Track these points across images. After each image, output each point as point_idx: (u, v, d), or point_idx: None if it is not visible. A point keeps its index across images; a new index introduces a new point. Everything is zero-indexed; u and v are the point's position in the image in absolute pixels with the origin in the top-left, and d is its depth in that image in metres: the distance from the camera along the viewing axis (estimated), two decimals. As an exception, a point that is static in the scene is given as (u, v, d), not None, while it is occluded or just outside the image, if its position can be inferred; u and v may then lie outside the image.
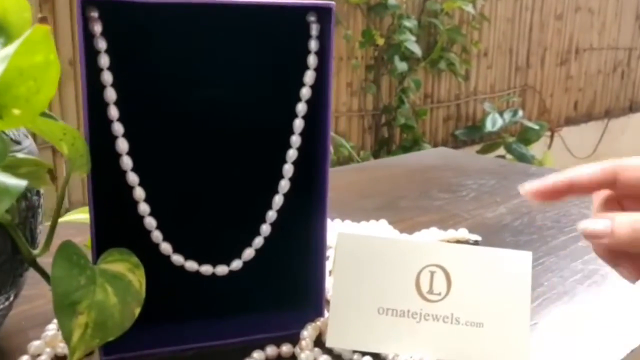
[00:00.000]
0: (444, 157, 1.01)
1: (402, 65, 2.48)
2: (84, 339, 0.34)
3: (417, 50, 2.45)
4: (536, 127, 2.96)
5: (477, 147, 2.95)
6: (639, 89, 4.64)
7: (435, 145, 3.01)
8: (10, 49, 0.23)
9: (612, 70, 4.33)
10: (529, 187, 0.38)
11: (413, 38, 2.45)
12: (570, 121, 4.04)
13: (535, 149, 2.78)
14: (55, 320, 0.43)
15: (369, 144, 2.70)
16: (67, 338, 0.33)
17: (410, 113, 2.66)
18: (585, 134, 4.02)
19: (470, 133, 3.05)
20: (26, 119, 0.27)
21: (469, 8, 2.71)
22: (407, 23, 2.47)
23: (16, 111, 0.27)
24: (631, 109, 4.61)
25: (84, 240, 0.42)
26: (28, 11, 0.29)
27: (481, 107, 3.16)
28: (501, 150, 2.79)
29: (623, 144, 4.26)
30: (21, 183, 0.29)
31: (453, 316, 0.40)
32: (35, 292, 0.46)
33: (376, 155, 2.63)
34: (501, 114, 3.00)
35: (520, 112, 3.05)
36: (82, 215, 0.44)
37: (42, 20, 0.24)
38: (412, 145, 2.70)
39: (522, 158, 2.72)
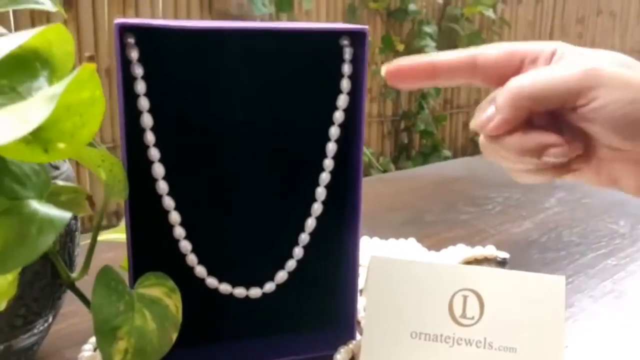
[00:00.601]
0: (468, 168, 1.01)
1: (422, 71, 2.48)
2: (123, 365, 0.34)
3: (437, 55, 2.45)
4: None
5: (497, 152, 2.93)
6: (662, 93, 4.59)
7: (454, 151, 3.00)
8: (60, 87, 0.24)
9: (634, 74, 4.29)
10: (390, 66, 0.37)
11: (433, 44, 2.45)
12: (591, 125, 4.01)
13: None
14: (91, 340, 0.44)
15: (388, 150, 2.69)
16: (106, 363, 0.34)
17: (429, 119, 2.66)
18: None
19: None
20: (70, 152, 0.28)
21: (489, 13, 2.69)
22: (427, 29, 2.47)
23: (61, 145, 0.27)
24: (653, 112, 4.56)
25: (117, 258, 0.43)
26: (71, 44, 0.30)
27: (501, 112, 3.14)
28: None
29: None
30: (65, 215, 0.29)
31: (486, 341, 0.40)
32: (70, 310, 0.47)
33: (395, 161, 2.63)
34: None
35: (541, 118, 3.03)
36: (116, 235, 0.45)
37: (90, 58, 0.25)
38: (432, 151, 2.70)
39: (543, 164, 2.70)
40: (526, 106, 0.34)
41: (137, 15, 1.82)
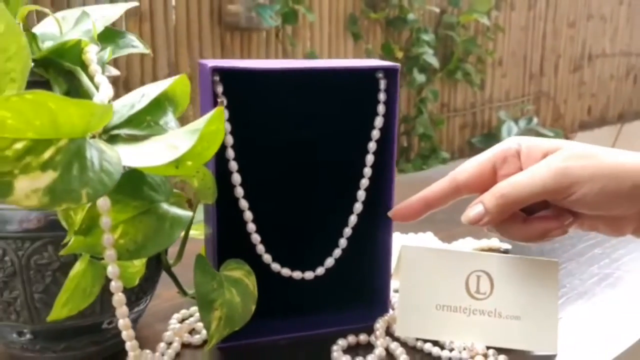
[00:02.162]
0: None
1: (420, 77, 2.59)
2: (218, 329, 0.44)
3: (434, 62, 2.56)
4: (551, 133, 3.05)
5: (493, 153, 3.04)
6: (652, 94, 4.70)
7: (452, 153, 3.11)
8: (201, 123, 0.34)
9: (624, 75, 4.40)
10: (394, 210, 0.48)
11: (431, 51, 2.56)
12: (584, 126, 4.12)
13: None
14: (175, 316, 0.54)
15: (389, 153, 2.80)
16: (207, 328, 0.44)
17: (428, 122, 2.76)
18: (600, 138, 4.10)
19: (486, 141, 3.14)
20: (194, 168, 0.38)
21: (484, 19, 2.81)
22: (425, 37, 2.57)
23: (189, 163, 0.37)
24: (644, 113, 4.67)
25: (194, 249, 0.53)
26: (188, 87, 0.40)
27: (496, 115, 3.25)
28: (517, 157, 2.88)
29: (637, 147, 4.33)
30: (188, 214, 0.40)
31: (496, 311, 0.50)
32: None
33: (396, 163, 2.74)
34: (516, 121, 3.09)
35: (535, 120, 3.14)
36: (192, 232, 0.55)
37: (221, 103, 0.35)
38: (430, 153, 2.81)
39: (537, 164, 2.81)
40: (511, 209, 0.44)
41: (152, 30, 1.91)
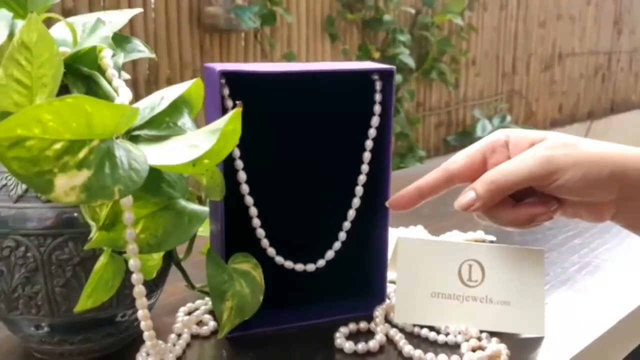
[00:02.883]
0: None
1: (397, 77, 2.63)
2: (230, 319, 0.47)
3: (410, 62, 2.60)
4: (524, 131, 3.12)
5: (468, 151, 3.09)
6: (619, 91, 4.83)
7: (428, 151, 3.16)
8: (221, 123, 0.36)
9: (593, 74, 4.51)
10: (391, 200, 0.51)
11: (407, 51, 2.60)
12: (555, 123, 4.21)
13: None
14: (182, 309, 0.56)
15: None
16: (219, 317, 0.46)
17: (404, 121, 2.81)
18: (570, 135, 4.20)
19: (461, 139, 3.20)
20: (210, 165, 0.40)
21: (457, 20, 2.86)
22: (401, 37, 2.62)
23: (206, 161, 0.40)
24: (612, 110, 4.79)
25: (198, 245, 0.55)
26: (201, 90, 0.43)
27: (471, 114, 3.31)
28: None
29: (605, 144, 4.43)
30: (205, 209, 0.42)
31: (487, 297, 0.53)
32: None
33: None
34: (490, 119, 3.15)
35: (509, 117, 3.21)
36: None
37: (240, 105, 0.37)
38: (407, 152, 2.85)
39: (511, 161, 2.86)
40: (500, 194, 0.47)
41: (131, 32, 1.92)
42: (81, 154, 0.33)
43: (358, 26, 2.63)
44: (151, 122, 0.39)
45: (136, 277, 0.41)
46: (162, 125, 0.39)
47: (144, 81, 2.02)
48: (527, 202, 0.49)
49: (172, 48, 2.05)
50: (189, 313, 0.56)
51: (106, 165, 0.34)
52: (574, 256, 0.71)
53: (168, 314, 0.56)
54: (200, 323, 0.54)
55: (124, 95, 0.40)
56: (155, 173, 0.41)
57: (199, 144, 0.37)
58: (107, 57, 0.43)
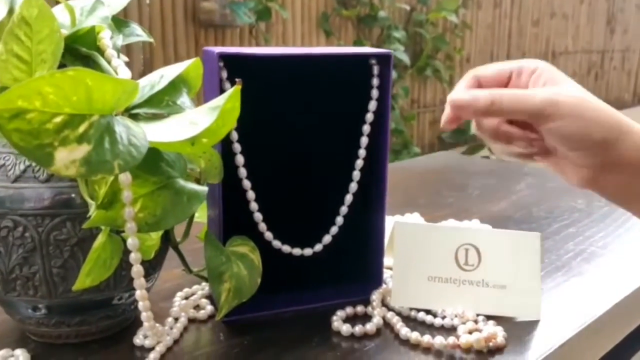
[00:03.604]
0: (445, 161, 1.15)
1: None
2: (227, 300, 0.47)
3: (405, 59, 2.60)
4: (517, 129, 3.12)
5: (462, 148, 3.11)
6: (612, 90, 4.85)
7: (423, 148, 3.17)
8: (221, 100, 0.37)
9: (586, 72, 4.53)
10: (442, 122, 0.50)
11: (401, 48, 2.60)
12: (548, 122, 4.21)
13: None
14: (178, 294, 0.56)
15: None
16: (217, 299, 0.46)
17: (399, 118, 2.81)
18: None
19: (455, 136, 3.20)
20: (209, 145, 0.40)
21: (452, 17, 2.86)
22: (396, 34, 2.62)
23: (205, 140, 0.40)
24: (605, 108, 4.79)
25: (194, 231, 0.55)
26: (200, 69, 0.43)
27: (465, 111, 3.31)
28: (485, 151, 2.95)
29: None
30: (204, 189, 0.42)
31: (484, 281, 0.54)
32: (154, 275, 0.59)
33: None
34: (484, 117, 3.15)
35: (502, 115, 3.21)
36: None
37: (239, 82, 0.37)
38: (402, 148, 2.85)
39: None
40: (499, 114, 0.47)
41: (126, 25, 1.92)
42: (81, 128, 0.33)
43: (353, 22, 2.63)
44: (150, 100, 0.39)
45: (134, 256, 0.41)
46: (162, 103, 0.40)
47: (138, 76, 2.02)
48: (509, 124, 0.50)
49: (167, 43, 2.05)
50: (186, 298, 0.56)
51: (106, 140, 0.34)
52: (569, 244, 0.71)
53: (165, 299, 0.56)
54: (197, 307, 0.55)
55: (123, 74, 0.40)
56: (154, 152, 0.41)
57: (199, 121, 0.37)
58: (106, 38, 0.43)
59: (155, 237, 0.44)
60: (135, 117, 0.39)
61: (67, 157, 0.32)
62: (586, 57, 4.49)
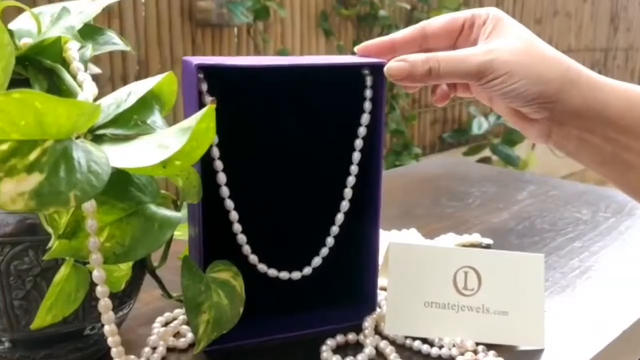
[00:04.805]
0: (443, 167, 1.11)
1: (392, 73, 2.59)
2: (206, 332, 0.43)
3: (406, 58, 2.56)
4: (520, 129, 3.08)
5: (464, 149, 3.07)
6: (616, 89, 4.80)
7: (424, 149, 3.13)
8: (193, 121, 0.33)
9: (589, 70, 4.48)
10: (360, 46, 0.50)
11: (402, 47, 2.56)
12: (550, 121, 4.17)
13: (520, 150, 2.90)
14: (158, 319, 0.53)
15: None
16: (195, 331, 0.43)
17: (400, 118, 2.77)
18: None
19: (457, 136, 3.17)
20: (182, 167, 0.37)
21: (453, 16, 2.82)
22: (396, 33, 2.58)
23: (177, 162, 0.36)
24: (608, 107, 4.76)
25: (176, 251, 0.51)
26: (175, 85, 0.39)
27: (466, 110, 3.28)
28: (487, 152, 2.91)
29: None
30: (178, 215, 0.39)
31: (484, 307, 0.50)
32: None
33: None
34: (486, 116, 3.11)
35: (504, 115, 3.17)
36: (176, 232, 0.54)
37: (213, 101, 0.34)
38: (403, 149, 2.81)
39: (507, 159, 2.84)
40: (434, 81, 0.46)
41: (121, 26, 1.88)
42: (32, 156, 0.29)
43: (353, 22, 2.58)
44: (117, 120, 0.36)
45: (101, 290, 0.37)
46: (130, 123, 0.36)
47: (134, 77, 1.98)
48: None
49: (163, 43, 2.01)
50: (166, 324, 0.52)
51: (61, 169, 0.30)
52: (574, 260, 0.68)
53: (144, 324, 0.53)
54: (177, 335, 0.51)
55: (88, 90, 0.36)
56: (122, 176, 0.38)
57: (169, 143, 0.33)
58: (73, 50, 0.40)
59: (125, 267, 0.40)
60: (100, 139, 0.35)
61: (13, 190, 0.28)
62: (589, 55, 4.45)
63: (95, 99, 0.37)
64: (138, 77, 1.99)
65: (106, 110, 0.36)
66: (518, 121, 0.49)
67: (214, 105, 0.34)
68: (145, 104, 0.37)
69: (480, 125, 3.03)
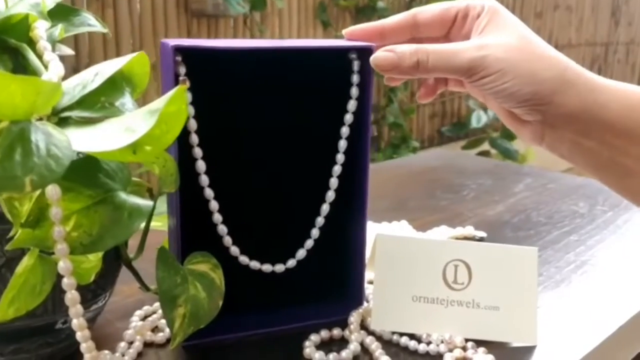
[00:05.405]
0: (441, 159, 1.09)
1: (390, 66, 2.57)
2: (182, 327, 0.41)
3: (404, 50, 2.54)
4: (519, 122, 3.06)
5: (463, 142, 3.05)
6: (616, 83, 4.77)
7: (422, 142, 3.10)
8: (160, 103, 0.31)
9: (590, 65, 4.45)
10: (347, 30, 0.48)
11: (401, 39, 2.54)
12: (550, 115, 4.15)
13: (519, 144, 2.88)
14: (137, 312, 0.51)
15: (359, 142, 2.78)
16: (170, 326, 0.41)
17: (398, 111, 2.75)
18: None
19: (455, 129, 3.14)
20: (154, 154, 0.35)
21: (453, 8, 2.80)
22: (395, 25, 2.55)
23: (148, 148, 0.34)
24: (609, 102, 4.73)
25: (156, 242, 0.50)
26: (147, 66, 0.37)
27: (465, 104, 3.25)
28: (486, 145, 2.89)
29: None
30: (149, 203, 0.37)
31: (474, 302, 0.48)
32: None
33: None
34: (485, 110, 3.09)
35: (504, 109, 3.15)
36: (155, 223, 0.52)
37: (183, 81, 0.32)
38: (401, 142, 2.79)
39: (506, 152, 2.82)
40: (422, 74, 0.44)
41: (115, 16, 1.86)
42: (-16, 138, 0.27)
43: (351, 13, 2.56)
44: (83, 102, 0.34)
45: (67, 282, 0.35)
46: (96, 105, 0.34)
47: (128, 67, 1.96)
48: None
49: (158, 33, 1.99)
50: (145, 317, 0.50)
51: (17, 152, 0.28)
52: (569, 254, 0.66)
53: (122, 318, 0.51)
54: (156, 329, 0.49)
55: (53, 70, 0.34)
56: (90, 161, 0.36)
57: (135, 127, 0.31)
58: (40, 29, 0.37)
59: (93, 258, 0.38)
60: (65, 122, 0.33)
61: (-38, 173, 0.26)
62: (590, 50, 4.42)
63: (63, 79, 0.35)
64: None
65: (71, 91, 0.34)
66: (511, 121, 0.47)
67: (185, 87, 0.32)
68: (114, 85, 0.35)
69: (479, 119, 3.01)
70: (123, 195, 0.36)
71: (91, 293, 0.43)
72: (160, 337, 0.47)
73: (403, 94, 2.85)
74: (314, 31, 2.47)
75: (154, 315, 0.50)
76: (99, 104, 0.34)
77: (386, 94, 2.71)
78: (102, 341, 0.47)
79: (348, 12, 2.56)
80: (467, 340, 0.47)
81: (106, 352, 0.43)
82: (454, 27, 0.47)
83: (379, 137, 2.80)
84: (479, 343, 0.47)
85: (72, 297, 0.36)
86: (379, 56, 0.44)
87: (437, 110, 3.21)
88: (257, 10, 2.12)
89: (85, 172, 0.35)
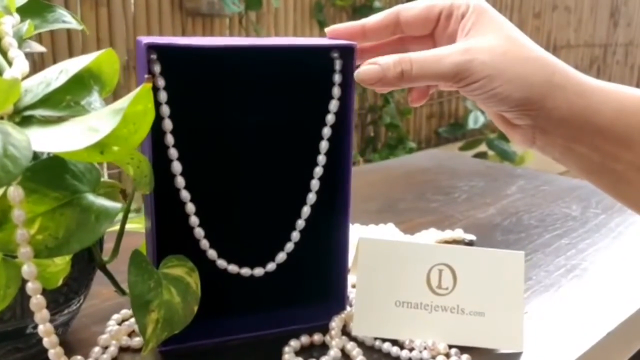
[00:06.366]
0: (435, 160, 1.08)
1: (387, 66, 2.55)
2: (155, 333, 0.40)
3: (401, 51, 2.52)
4: (517, 123, 3.05)
5: (460, 143, 3.04)
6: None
7: (419, 143, 3.09)
8: (125, 102, 0.30)
9: (588, 66, 4.44)
10: (330, 29, 0.47)
11: (397, 39, 2.53)
12: (548, 116, 4.13)
13: (517, 145, 2.87)
14: (114, 317, 0.49)
15: (355, 143, 2.77)
16: (142, 332, 0.40)
17: (395, 112, 2.74)
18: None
19: (452, 130, 3.13)
20: (122, 154, 0.34)
21: (450, 9, 2.78)
22: (392, 25, 2.54)
23: (115, 148, 0.33)
24: (607, 103, 4.71)
25: (133, 244, 0.48)
26: (117, 63, 0.36)
27: (463, 105, 3.24)
28: (483, 147, 2.88)
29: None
30: (117, 206, 0.35)
31: (459, 307, 0.47)
32: (91, 292, 0.52)
33: (362, 153, 2.71)
34: (482, 111, 3.08)
35: (501, 109, 3.14)
36: (133, 225, 0.50)
37: (148, 79, 0.30)
38: (397, 143, 2.78)
39: (503, 154, 2.81)
40: (407, 84, 0.43)
41: (109, 15, 1.84)
42: None
43: (348, 13, 2.55)
44: (47, 101, 0.32)
45: (32, 287, 0.34)
46: (61, 104, 0.33)
47: (122, 67, 1.94)
48: None
49: (152, 33, 1.97)
50: (122, 322, 0.49)
51: (-29, 152, 0.27)
52: (560, 258, 0.65)
53: (99, 322, 0.50)
54: (132, 333, 0.48)
55: (17, 67, 0.33)
56: (56, 162, 0.35)
57: (99, 126, 0.30)
58: (6, 24, 0.36)
59: (61, 262, 0.37)
60: (28, 121, 0.32)
61: None
62: (588, 50, 4.41)
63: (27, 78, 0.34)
64: (127, 67, 1.95)
65: (35, 89, 0.32)
66: (502, 124, 0.46)
67: (150, 85, 0.30)
68: (80, 83, 0.33)
69: (476, 120, 3.00)
70: (91, 197, 0.35)
71: (63, 296, 0.42)
72: (137, 341, 0.46)
73: (400, 95, 2.84)
74: (310, 31, 2.45)
75: (132, 319, 0.49)
76: (63, 102, 0.33)
77: (383, 95, 2.69)
78: (77, 346, 0.46)
79: (345, 11, 2.55)
80: (451, 346, 0.46)
81: (78, 357, 0.42)
82: (438, 27, 0.45)
83: (375, 137, 2.78)
84: (463, 349, 0.46)
85: (37, 302, 0.34)
86: (362, 71, 0.43)
87: (435, 111, 3.20)
88: (253, 10, 2.11)
89: (51, 173, 0.34)
